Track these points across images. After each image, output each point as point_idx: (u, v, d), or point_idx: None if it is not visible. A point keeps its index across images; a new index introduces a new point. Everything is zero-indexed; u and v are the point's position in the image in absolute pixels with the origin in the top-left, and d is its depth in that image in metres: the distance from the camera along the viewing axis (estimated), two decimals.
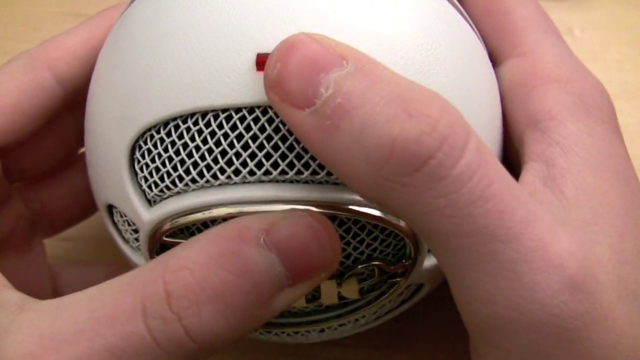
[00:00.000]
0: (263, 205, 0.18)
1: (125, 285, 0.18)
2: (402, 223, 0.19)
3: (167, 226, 0.19)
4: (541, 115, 0.21)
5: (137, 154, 0.19)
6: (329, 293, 0.20)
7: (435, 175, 0.16)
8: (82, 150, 0.28)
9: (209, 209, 0.19)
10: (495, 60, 0.23)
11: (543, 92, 0.21)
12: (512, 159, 0.23)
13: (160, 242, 0.20)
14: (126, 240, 0.22)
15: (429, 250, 0.20)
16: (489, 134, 0.21)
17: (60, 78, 0.24)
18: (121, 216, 0.21)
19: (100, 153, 0.20)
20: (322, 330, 0.23)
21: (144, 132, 0.19)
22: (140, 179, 0.20)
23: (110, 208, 0.22)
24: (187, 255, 0.18)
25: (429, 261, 0.21)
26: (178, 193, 0.19)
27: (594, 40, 0.39)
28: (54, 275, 0.27)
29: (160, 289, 0.18)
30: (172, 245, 0.19)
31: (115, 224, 0.22)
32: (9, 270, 0.22)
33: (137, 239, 0.21)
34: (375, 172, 0.17)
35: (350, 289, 0.20)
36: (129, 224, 0.21)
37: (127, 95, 0.19)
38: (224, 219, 0.19)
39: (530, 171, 0.20)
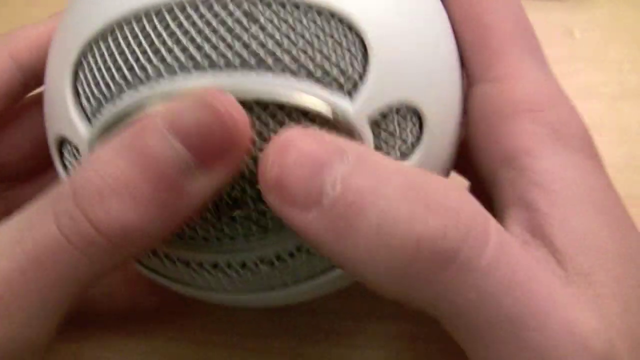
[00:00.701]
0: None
1: (40, 199, 0.19)
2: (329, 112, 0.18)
3: (108, 132, 0.19)
4: (515, 151, 0.20)
5: (80, 74, 0.20)
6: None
7: (463, 269, 0.16)
8: None
9: (143, 107, 0.18)
10: (468, 75, 0.22)
11: (515, 124, 0.20)
12: (476, 184, 0.22)
13: None
14: None
15: None
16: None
17: (21, 65, 0.24)
18: (69, 153, 0.21)
19: (51, 85, 0.21)
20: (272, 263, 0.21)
21: (84, 49, 0.19)
22: (81, 97, 0.20)
23: (60, 148, 0.22)
24: (94, 155, 0.18)
25: None
26: (114, 101, 0.19)
27: (594, 40, 0.39)
28: None
29: (66, 188, 0.18)
30: None
31: (65, 167, 0.22)
32: None
33: None
34: (400, 271, 0.16)
35: None
36: (74, 156, 0.21)
37: (70, 19, 0.20)
38: None
39: (515, 220, 0.19)
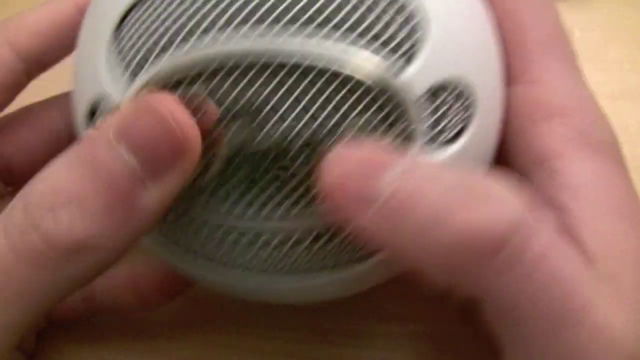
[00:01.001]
0: (240, 56, 0.18)
1: None
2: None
3: (147, 87, 0.19)
4: (546, 154, 0.21)
5: (122, 31, 0.20)
6: (312, 163, 0.19)
7: (512, 259, 0.17)
8: None
9: (188, 61, 0.18)
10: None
11: (547, 128, 0.21)
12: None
13: None
14: None
15: (433, 138, 0.20)
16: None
17: (20, 52, 0.24)
18: (101, 118, 0.21)
19: (88, 47, 0.21)
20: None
21: (127, 8, 0.19)
22: (122, 55, 0.20)
23: (91, 116, 0.21)
24: (46, 169, 0.18)
25: (435, 153, 0.20)
26: (157, 57, 0.19)
27: (594, 40, 0.39)
28: None
29: (18, 203, 0.18)
30: None
31: None
32: None
33: None
34: (449, 259, 0.17)
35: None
36: None
37: None
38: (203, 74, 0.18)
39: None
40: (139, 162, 0.17)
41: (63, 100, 0.27)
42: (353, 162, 0.17)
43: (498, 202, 0.17)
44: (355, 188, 0.17)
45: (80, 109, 0.21)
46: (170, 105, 0.17)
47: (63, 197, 0.17)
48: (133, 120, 0.17)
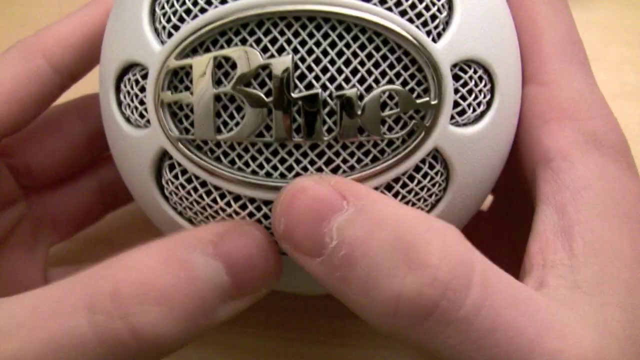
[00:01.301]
0: (287, 5, 0.18)
1: (71, 282, 0.18)
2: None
3: (186, 42, 0.19)
4: (553, 153, 0.21)
5: None
6: (348, 118, 0.19)
7: (442, 321, 0.17)
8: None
9: (233, 15, 0.18)
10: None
11: (557, 128, 0.21)
12: (519, 182, 0.23)
13: (173, 65, 0.19)
14: (127, 119, 0.21)
15: (459, 114, 0.20)
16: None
17: (54, 65, 0.24)
18: (129, 83, 0.21)
19: (122, 10, 0.21)
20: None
21: None
22: (157, 18, 0.20)
23: (118, 82, 0.21)
24: (137, 257, 0.18)
25: (459, 130, 0.20)
26: (196, 17, 0.19)
27: (594, 41, 0.39)
28: (48, 281, 0.27)
29: (109, 285, 0.18)
30: (185, 72, 0.19)
31: (119, 102, 0.21)
32: (5, 268, 0.22)
33: (142, 101, 0.20)
34: (386, 321, 0.18)
35: (372, 115, 0.19)
36: (136, 83, 0.20)
37: None
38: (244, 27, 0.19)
39: (543, 220, 0.20)
40: (231, 282, 0.18)
41: (82, 104, 0.27)
42: (299, 207, 0.18)
43: (427, 270, 0.17)
44: (303, 236, 0.18)
45: (109, 73, 0.21)
46: (269, 238, 0.19)
47: (155, 294, 0.18)
48: (236, 243, 0.19)
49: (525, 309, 0.18)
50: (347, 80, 0.19)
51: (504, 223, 0.28)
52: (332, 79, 0.19)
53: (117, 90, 0.21)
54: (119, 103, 0.21)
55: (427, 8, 0.19)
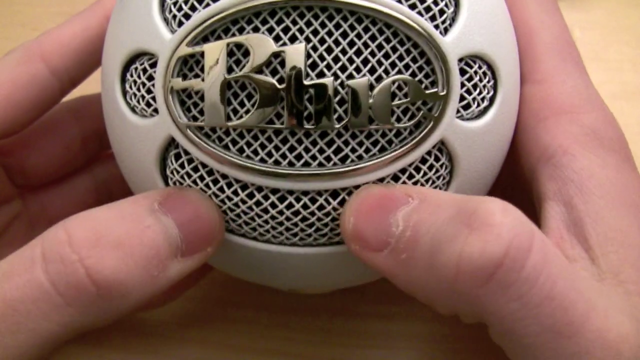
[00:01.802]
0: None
1: (24, 247, 0.19)
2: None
3: (198, 29, 0.19)
4: (553, 149, 0.21)
5: None
6: (359, 106, 0.19)
7: (505, 281, 0.17)
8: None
9: (246, 3, 0.18)
10: None
11: (554, 124, 0.21)
12: (518, 180, 0.23)
13: (185, 52, 0.19)
14: (133, 109, 0.21)
15: (464, 108, 0.20)
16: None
17: (54, 70, 0.24)
18: (136, 73, 0.21)
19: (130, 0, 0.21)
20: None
21: None
22: (166, 7, 0.20)
23: (124, 72, 0.21)
24: (89, 213, 0.19)
25: (464, 123, 0.20)
26: (208, 5, 0.19)
27: (594, 40, 0.39)
28: None
29: (61, 234, 0.18)
30: (195, 61, 0.19)
31: (124, 92, 0.21)
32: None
33: (150, 90, 0.20)
34: (448, 290, 0.18)
35: (382, 105, 0.19)
36: (144, 72, 0.20)
37: None
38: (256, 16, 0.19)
39: (553, 215, 0.21)
40: (182, 235, 0.19)
41: (77, 105, 0.27)
42: (374, 198, 0.19)
43: (489, 228, 0.17)
44: (370, 231, 0.19)
45: (114, 63, 0.21)
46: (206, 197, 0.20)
47: (111, 240, 0.18)
48: (179, 196, 0.20)
49: (576, 285, 0.18)
50: (357, 70, 0.19)
51: None
52: (343, 68, 0.19)
53: (123, 80, 0.21)
54: (124, 93, 0.21)
55: (435, 2, 0.19)
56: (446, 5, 0.20)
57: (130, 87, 0.21)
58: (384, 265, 0.19)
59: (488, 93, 0.21)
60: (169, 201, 0.20)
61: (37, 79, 0.24)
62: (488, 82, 0.21)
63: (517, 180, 0.23)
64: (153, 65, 0.20)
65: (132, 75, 0.21)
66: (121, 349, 0.28)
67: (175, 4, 0.20)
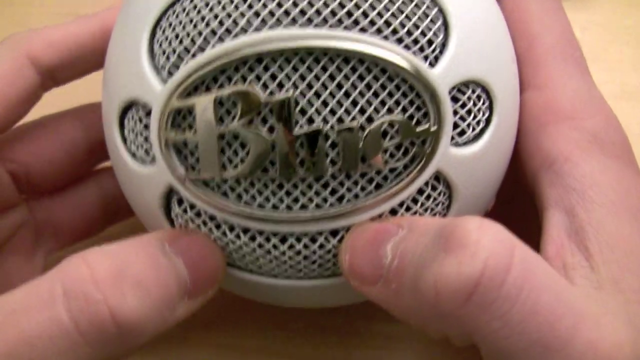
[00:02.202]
0: (285, 41, 0.18)
1: (42, 278, 0.18)
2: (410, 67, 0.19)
3: (188, 81, 0.19)
4: (554, 155, 0.21)
5: (158, 34, 0.20)
6: (351, 150, 0.19)
7: (484, 300, 0.17)
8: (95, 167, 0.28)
9: (223, 58, 0.19)
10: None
11: (555, 130, 0.21)
12: (521, 188, 0.23)
13: (175, 106, 0.19)
14: (133, 155, 0.21)
15: (458, 135, 0.20)
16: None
17: (38, 65, 0.24)
18: (133, 120, 0.21)
19: (122, 47, 0.21)
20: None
21: (167, 8, 0.20)
22: (157, 56, 0.20)
23: (122, 118, 0.21)
24: (109, 248, 0.19)
25: (459, 150, 0.20)
26: (196, 54, 0.19)
27: (594, 40, 0.39)
28: None
29: (83, 270, 0.18)
30: (187, 109, 0.19)
31: (124, 138, 0.22)
32: (2, 273, 0.22)
33: (147, 139, 0.20)
34: (434, 314, 0.18)
35: (374, 146, 0.19)
36: (140, 121, 0.21)
37: None
38: (243, 64, 0.19)
39: (554, 224, 0.20)
40: (190, 277, 0.20)
41: (82, 112, 0.27)
42: (367, 234, 0.19)
43: (464, 249, 0.17)
44: (368, 259, 0.19)
45: (112, 110, 0.21)
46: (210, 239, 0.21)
47: (132, 279, 0.18)
48: (186, 238, 0.20)
49: (563, 297, 0.17)
50: (347, 112, 0.19)
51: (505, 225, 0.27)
52: (332, 112, 0.19)
53: (122, 126, 0.21)
54: (124, 139, 0.21)
55: (423, 33, 0.19)
56: (435, 34, 0.19)
57: (129, 134, 0.21)
58: (379, 297, 0.19)
59: (483, 115, 0.21)
60: (178, 243, 0.20)
61: (23, 74, 0.24)
62: (483, 104, 0.20)
63: (520, 187, 0.23)
64: (148, 114, 0.20)
65: (129, 122, 0.21)
66: None
67: (163, 52, 0.20)
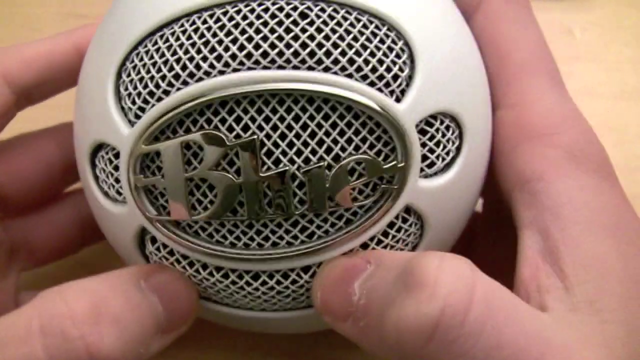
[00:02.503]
0: (248, 85, 0.18)
1: (17, 313, 0.18)
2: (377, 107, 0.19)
3: (154, 126, 0.19)
4: (528, 175, 0.20)
5: (123, 76, 0.20)
6: (318, 189, 0.19)
7: (446, 340, 0.17)
8: (68, 189, 0.28)
9: (197, 98, 0.18)
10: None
11: (529, 149, 0.21)
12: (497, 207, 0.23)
13: (142, 151, 0.19)
14: (105, 193, 0.21)
15: (428, 167, 0.20)
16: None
17: (12, 84, 0.24)
18: (103, 160, 0.21)
19: (90, 90, 0.21)
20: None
21: (131, 51, 0.20)
22: (123, 99, 0.20)
23: (93, 158, 0.21)
24: (86, 283, 0.19)
25: (429, 182, 0.20)
26: (160, 99, 0.19)
27: (594, 40, 0.39)
28: (19, 305, 0.27)
29: (60, 307, 0.18)
30: (155, 153, 0.19)
31: (96, 177, 0.22)
32: None
33: (117, 180, 0.21)
34: (399, 353, 0.18)
35: (340, 186, 0.19)
36: (110, 162, 0.21)
37: (112, 23, 0.21)
38: (206, 110, 0.19)
39: (529, 245, 0.20)
40: (164, 314, 0.20)
41: (58, 131, 0.27)
42: (337, 270, 0.19)
43: (423, 288, 0.17)
44: (339, 297, 0.19)
45: (83, 149, 0.21)
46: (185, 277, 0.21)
47: (109, 316, 0.18)
48: (160, 275, 0.20)
49: (529, 328, 0.17)
50: (314, 152, 0.19)
51: (489, 243, 0.27)
52: (299, 153, 0.19)
53: (93, 164, 0.22)
54: (96, 178, 0.22)
55: (388, 69, 0.19)
56: (400, 68, 0.19)
57: (100, 173, 0.21)
58: (350, 333, 0.19)
59: (453, 144, 0.20)
60: (153, 280, 0.20)
61: None
62: (452, 133, 0.20)
63: (500, 206, 0.23)
64: (116, 156, 0.20)
65: (100, 162, 0.21)
66: None
67: (129, 95, 0.20)
